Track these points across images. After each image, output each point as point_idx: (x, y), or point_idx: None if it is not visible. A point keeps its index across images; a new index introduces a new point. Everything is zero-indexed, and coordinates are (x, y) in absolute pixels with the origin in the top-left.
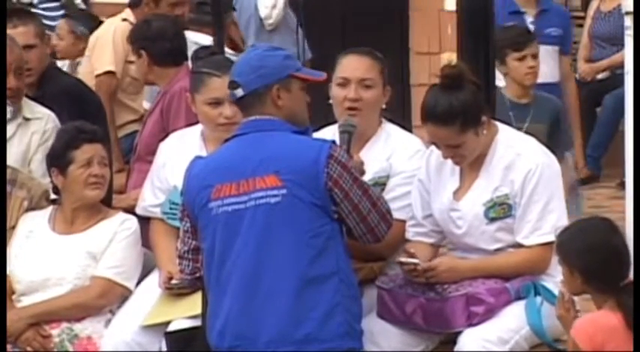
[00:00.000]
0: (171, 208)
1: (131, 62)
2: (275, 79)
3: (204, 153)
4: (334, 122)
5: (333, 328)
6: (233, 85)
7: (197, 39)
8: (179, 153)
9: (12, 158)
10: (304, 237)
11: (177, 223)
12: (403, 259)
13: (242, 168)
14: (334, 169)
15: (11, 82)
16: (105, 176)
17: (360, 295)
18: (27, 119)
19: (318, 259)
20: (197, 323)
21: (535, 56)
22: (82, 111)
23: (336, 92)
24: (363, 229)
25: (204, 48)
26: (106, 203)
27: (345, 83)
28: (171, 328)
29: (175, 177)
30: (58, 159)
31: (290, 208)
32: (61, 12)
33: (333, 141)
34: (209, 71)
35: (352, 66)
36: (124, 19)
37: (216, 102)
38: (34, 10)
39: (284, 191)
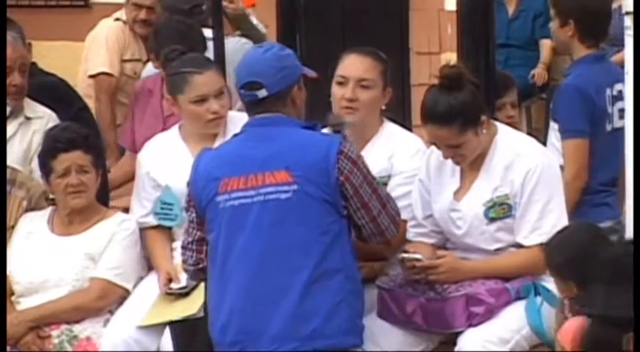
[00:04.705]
0: (162, 208)
1: (127, 61)
2: (295, 79)
3: (187, 153)
4: None
5: (337, 324)
6: (254, 86)
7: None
8: (161, 157)
9: (13, 157)
10: (314, 234)
11: (169, 223)
12: (405, 255)
13: (250, 162)
14: (345, 165)
15: (16, 78)
16: (85, 183)
17: (363, 291)
18: (28, 118)
19: (326, 256)
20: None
21: (514, 105)
22: (57, 110)
23: (335, 90)
24: (372, 229)
25: (173, 50)
26: (103, 203)
27: (343, 82)
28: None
29: (166, 178)
30: (41, 166)
31: (301, 204)
32: None
33: (344, 137)
34: (190, 70)
35: (352, 65)
36: (117, 19)
37: (202, 100)
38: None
39: (295, 187)
